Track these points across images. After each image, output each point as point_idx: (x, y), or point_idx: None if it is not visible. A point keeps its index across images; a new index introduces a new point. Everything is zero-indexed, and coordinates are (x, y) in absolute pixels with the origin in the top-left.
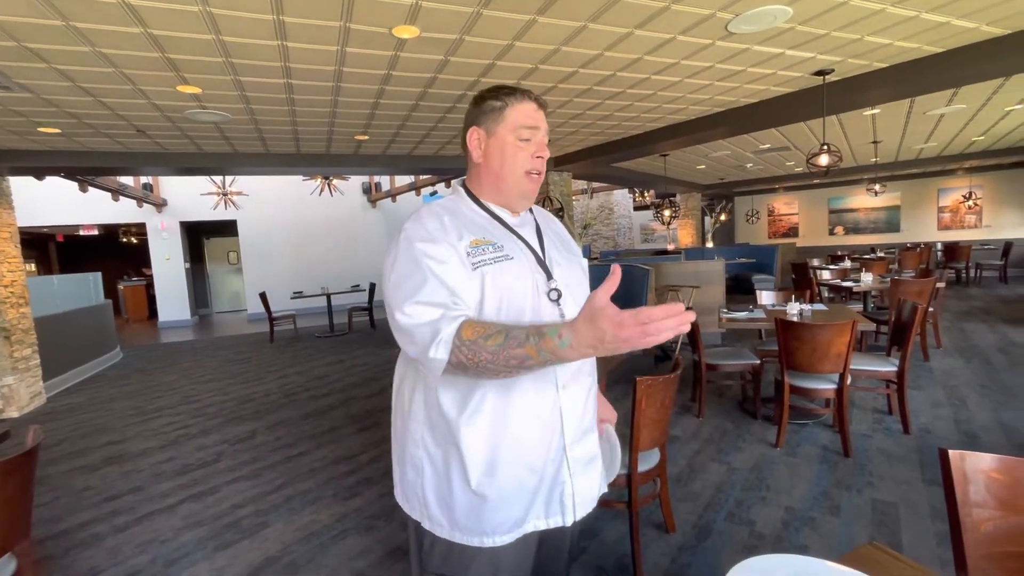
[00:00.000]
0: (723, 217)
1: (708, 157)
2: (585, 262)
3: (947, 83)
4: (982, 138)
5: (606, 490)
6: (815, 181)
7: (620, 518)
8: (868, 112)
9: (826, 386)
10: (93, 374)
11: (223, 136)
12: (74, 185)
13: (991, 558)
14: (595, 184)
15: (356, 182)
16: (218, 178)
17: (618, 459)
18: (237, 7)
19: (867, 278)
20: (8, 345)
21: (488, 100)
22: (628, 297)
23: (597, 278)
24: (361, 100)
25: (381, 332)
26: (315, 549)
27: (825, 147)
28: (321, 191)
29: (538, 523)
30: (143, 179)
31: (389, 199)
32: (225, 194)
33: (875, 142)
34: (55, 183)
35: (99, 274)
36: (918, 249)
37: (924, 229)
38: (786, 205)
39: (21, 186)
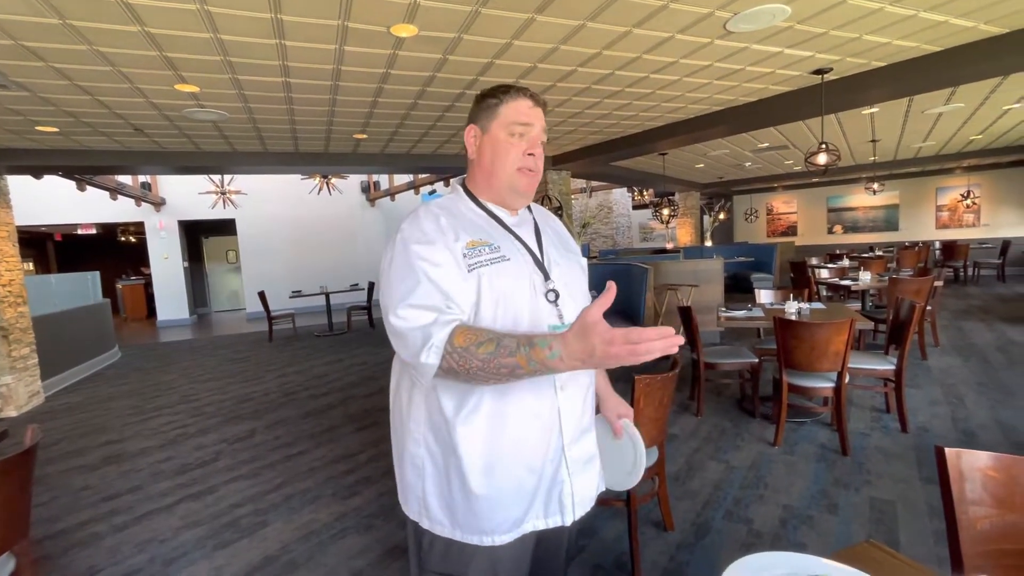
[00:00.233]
0: (722, 216)
1: (707, 156)
2: (584, 261)
3: (945, 82)
4: (980, 137)
5: (604, 488)
6: (814, 180)
7: (618, 516)
8: (866, 111)
9: (824, 385)
10: (91, 373)
11: (221, 135)
12: (72, 184)
13: (987, 555)
14: (594, 183)
15: (355, 181)
16: (216, 177)
17: (642, 457)
18: (235, 5)
19: (865, 277)
20: (6, 344)
21: (487, 98)
22: (627, 296)
23: (596, 277)
24: (359, 99)
25: (380, 331)
26: (314, 548)
27: (824, 146)
28: (320, 190)
29: (537, 523)
30: (141, 178)
31: (388, 198)
32: (223, 193)
33: (873, 141)
34: (53, 182)
35: (97, 273)
36: (916, 248)
37: (922, 228)
38: (785, 204)
39: (19, 185)
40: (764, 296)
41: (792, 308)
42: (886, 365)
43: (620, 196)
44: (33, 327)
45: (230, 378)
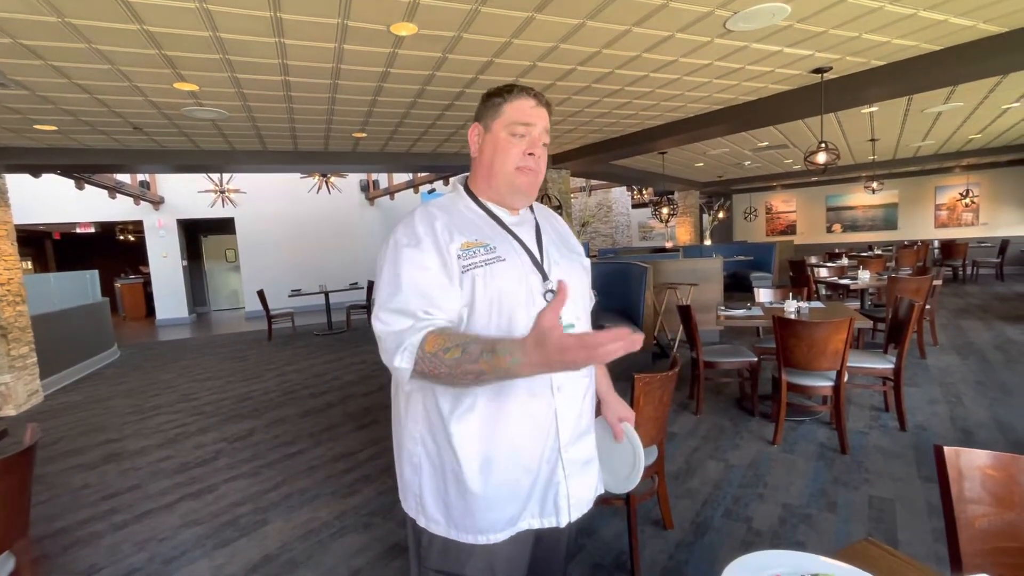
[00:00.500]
0: (721, 215)
1: (706, 155)
2: (587, 261)
3: (945, 81)
4: (979, 136)
5: (602, 491)
6: (813, 179)
7: (618, 515)
8: (866, 110)
9: (823, 383)
10: (90, 372)
11: (220, 133)
12: (70, 182)
13: (986, 554)
14: (593, 182)
15: (354, 180)
16: (215, 176)
17: (641, 460)
18: (234, 4)
19: (864, 276)
20: (5, 343)
21: (492, 97)
22: (627, 295)
23: (596, 276)
24: (359, 97)
25: None
26: (314, 547)
27: (823, 145)
28: (319, 189)
29: (532, 522)
30: (140, 177)
31: (387, 197)
32: (223, 192)
33: (873, 140)
34: (51, 180)
35: (96, 272)
36: (915, 247)
37: (921, 227)
38: (784, 203)
39: (17, 183)
40: (763, 295)
41: (791, 307)
42: (885, 364)
43: (619, 195)
44: (32, 326)
45: (229, 377)
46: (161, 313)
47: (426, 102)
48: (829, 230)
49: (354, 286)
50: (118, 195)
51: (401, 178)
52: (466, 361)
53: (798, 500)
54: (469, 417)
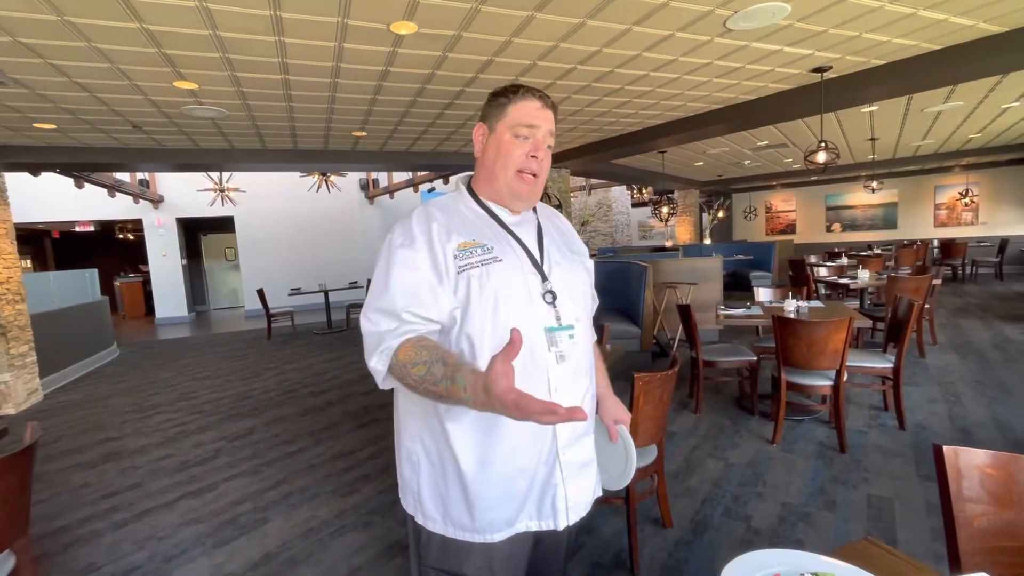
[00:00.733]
0: (721, 214)
1: (706, 154)
2: (590, 263)
3: (944, 80)
4: (979, 135)
5: (601, 493)
6: (813, 178)
7: (618, 514)
8: (866, 109)
9: (822, 382)
10: (90, 371)
11: (220, 132)
12: (70, 181)
13: (984, 552)
14: (593, 181)
15: (353, 178)
16: (215, 174)
17: (633, 462)
18: (234, 2)
19: (864, 275)
20: (4, 342)
21: (498, 97)
22: (626, 295)
23: (596, 275)
24: (359, 96)
25: None
26: (313, 545)
27: (823, 144)
28: (318, 187)
29: (530, 524)
30: (139, 175)
31: (387, 195)
32: (222, 190)
33: (872, 139)
34: (50, 179)
35: (95, 270)
36: (915, 246)
37: (921, 226)
38: (784, 202)
39: (16, 182)
40: (763, 294)
41: (791, 306)
42: (884, 363)
43: (619, 194)
44: (31, 325)
45: (229, 375)
46: (160, 312)
47: (426, 101)
48: (829, 229)
49: (353, 285)
50: (117, 194)
51: (401, 177)
52: (428, 381)
53: (797, 499)
54: (465, 416)
